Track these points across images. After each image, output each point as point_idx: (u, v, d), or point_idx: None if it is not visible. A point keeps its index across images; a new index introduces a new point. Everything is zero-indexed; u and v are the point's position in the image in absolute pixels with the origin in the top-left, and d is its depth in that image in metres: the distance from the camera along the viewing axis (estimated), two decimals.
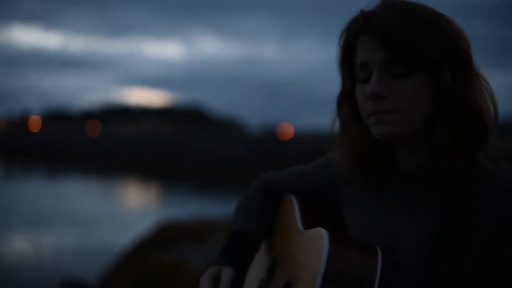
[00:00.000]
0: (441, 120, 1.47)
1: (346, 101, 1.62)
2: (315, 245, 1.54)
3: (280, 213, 1.88)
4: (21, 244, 14.55)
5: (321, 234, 1.53)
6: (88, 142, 71.93)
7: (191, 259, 7.97)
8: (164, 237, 10.60)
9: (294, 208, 1.80)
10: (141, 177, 39.50)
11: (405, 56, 1.46)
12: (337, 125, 1.65)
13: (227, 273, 1.67)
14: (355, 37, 1.54)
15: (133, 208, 22.76)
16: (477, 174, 1.46)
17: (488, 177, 1.46)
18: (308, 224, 1.71)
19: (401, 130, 1.49)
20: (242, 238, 1.77)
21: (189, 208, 18.44)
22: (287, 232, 1.80)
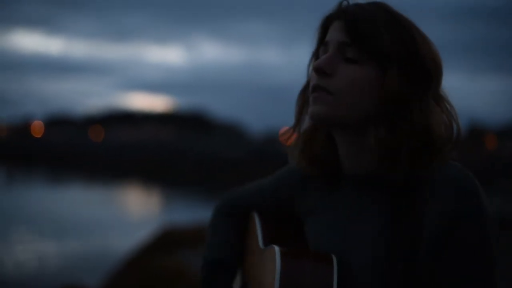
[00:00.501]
0: (379, 124, 1.44)
1: (304, 95, 1.61)
2: (270, 263, 1.52)
3: (247, 232, 1.86)
4: (23, 250, 14.53)
5: (274, 251, 1.50)
6: (91, 147, 71.98)
7: (193, 263, 7.96)
8: (166, 241, 10.60)
9: (256, 226, 1.78)
10: (144, 182, 39.51)
11: (362, 43, 1.44)
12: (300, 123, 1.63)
13: None
14: (330, 21, 1.54)
15: (136, 213, 22.74)
16: (418, 182, 1.43)
17: (432, 179, 1.42)
18: (269, 241, 1.69)
19: (333, 114, 1.46)
20: (217, 268, 1.76)
21: (192, 212, 18.39)
22: (252, 252, 1.78)
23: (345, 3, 1.53)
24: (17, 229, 17.10)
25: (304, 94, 1.60)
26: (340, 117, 1.47)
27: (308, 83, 1.59)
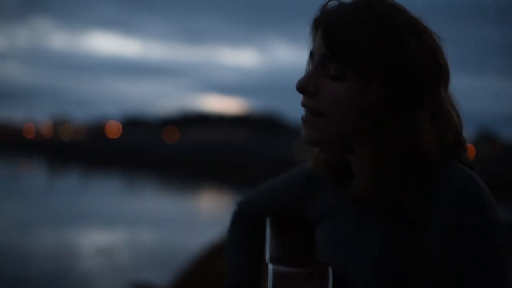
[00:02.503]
0: (364, 141, 1.37)
1: None
2: (268, 281, 1.48)
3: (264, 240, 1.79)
4: (94, 246, 14.72)
5: (269, 270, 1.49)
6: (165, 148, 72.91)
7: None
8: None
9: (267, 235, 1.74)
10: (216, 184, 39.74)
11: (341, 58, 1.35)
12: None
13: None
14: (315, 26, 1.45)
15: (207, 213, 22.84)
16: (421, 189, 1.35)
17: (436, 186, 1.33)
18: (276, 253, 1.65)
19: (324, 137, 1.41)
20: None
21: None
22: (264, 266, 1.71)
23: (329, 3, 1.43)
24: (90, 227, 17.35)
25: None
26: (329, 137, 1.41)
27: None
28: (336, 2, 1.43)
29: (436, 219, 1.32)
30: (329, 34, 1.37)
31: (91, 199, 25.14)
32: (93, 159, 63.53)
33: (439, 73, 1.38)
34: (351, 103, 1.36)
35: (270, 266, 1.50)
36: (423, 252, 1.33)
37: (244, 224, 1.83)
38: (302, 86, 1.40)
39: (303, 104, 1.42)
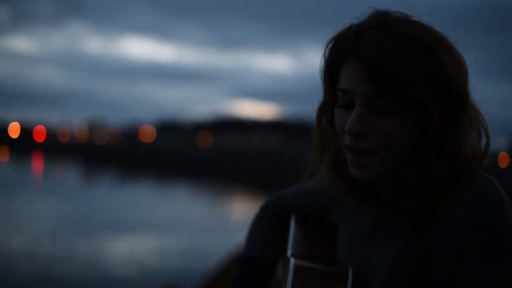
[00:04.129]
0: (416, 158, 1.36)
1: (326, 113, 1.51)
2: (287, 275, 1.49)
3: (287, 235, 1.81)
4: (125, 251, 14.79)
5: (291, 264, 1.49)
6: (199, 153, 73.07)
7: None
8: None
9: (290, 231, 1.75)
10: (249, 188, 39.71)
11: (392, 94, 1.32)
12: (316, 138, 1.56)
13: None
14: (342, 57, 1.40)
15: (239, 218, 22.83)
16: (445, 198, 1.35)
17: (456, 191, 1.34)
18: (298, 249, 1.66)
19: (377, 172, 1.39)
20: (253, 265, 1.73)
21: None
22: (286, 257, 1.72)
23: (358, 36, 1.36)
24: (121, 231, 17.43)
25: (320, 124, 1.53)
26: (383, 171, 1.39)
27: (321, 110, 1.52)
28: (355, 28, 1.38)
29: (455, 224, 1.31)
30: (375, 72, 1.31)
31: (123, 203, 25.27)
32: (127, 163, 63.89)
33: (466, 76, 1.38)
34: (404, 136, 1.35)
35: (292, 260, 1.50)
36: (437, 258, 1.33)
37: (268, 217, 1.85)
38: (356, 131, 1.36)
39: (352, 146, 1.39)
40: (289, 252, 1.66)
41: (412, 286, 1.35)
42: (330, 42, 1.44)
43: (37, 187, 32.64)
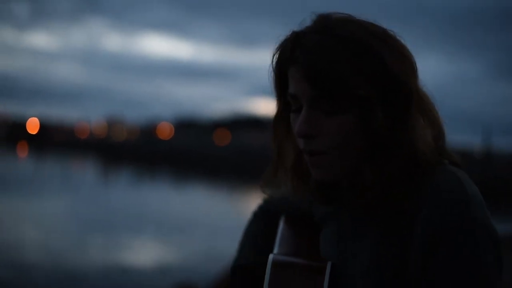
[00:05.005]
0: (369, 158, 1.37)
1: (282, 123, 1.53)
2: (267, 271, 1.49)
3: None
4: (142, 246, 14.82)
5: (269, 259, 1.50)
6: (216, 150, 73.23)
7: None
8: None
9: (278, 232, 1.77)
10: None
11: (333, 93, 1.34)
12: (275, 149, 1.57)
13: None
14: (285, 65, 1.43)
15: None
16: (409, 194, 1.34)
17: (422, 187, 1.33)
18: (283, 247, 1.67)
19: (334, 171, 1.40)
20: (241, 273, 1.73)
21: None
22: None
23: (297, 42, 1.39)
24: (138, 227, 17.47)
25: (277, 132, 1.54)
26: (340, 171, 1.41)
27: (277, 118, 1.54)
28: (294, 34, 1.41)
29: (421, 222, 1.30)
30: (312, 74, 1.34)
31: (141, 200, 25.36)
32: (145, 160, 64.14)
33: (414, 71, 1.39)
34: (352, 135, 1.36)
35: (271, 256, 1.51)
36: (409, 255, 1.33)
37: (262, 218, 1.88)
38: (305, 133, 1.38)
39: (306, 150, 1.41)
40: (274, 251, 1.66)
41: (389, 283, 1.35)
42: (275, 51, 1.46)
43: (55, 183, 32.79)
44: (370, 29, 1.37)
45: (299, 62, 1.37)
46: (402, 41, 1.40)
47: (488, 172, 33.58)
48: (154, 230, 17.40)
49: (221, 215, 21.27)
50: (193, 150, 72.00)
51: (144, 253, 14.09)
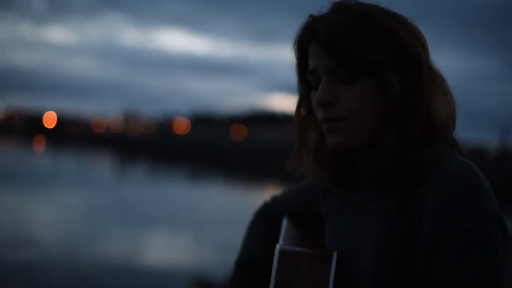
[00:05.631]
0: (388, 124, 1.43)
1: (304, 105, 1.62)
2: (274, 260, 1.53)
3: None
4: (159, 241, 14.86)
5: (276, 249, 1.53)
6: (232, 146, 73.25)
7: None
8: None
9: (281, 230, 1.80)
10: (282, 182, 39.76)
11: (349, 62, 1.43)
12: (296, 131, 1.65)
13: None
14: (305, 44, 1.53)
15: None
16: (425, 174, 1.39)
17: (433, 173, 1.38)
18: (287, 242, 1.71)
19: (351, 138, 1.47)
20: (245, 267, 1.78)
21: None
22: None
23: (316, 20, 1.50)
24: (154, 221, 17.52)
25: (299, 115, 1.62)
26: (356, 137, 1.46)
27: (300, 102, 1.62)
28: (311, 18, 1.52)
29: (432, 202, 1.34)
30: (332, 46, 1.44)
31: (157, 194, 25.42)
32: (161, 155, 64.27)
33: (424, 47, 1.47)
34: (369, 100, 1.44)
35: (278, 245, 1.54)
36: (419, 236, 1.36)
37: (264, 217, 1.93)
38: (324, 100, 1.46)
39: (324, 118, 1.48)
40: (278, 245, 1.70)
41: (396, 271, 1.38)
42: (296, 34, 1.56)
43: (72, 178, 32.94)
44: (383, 9, 1.48)
45: (319, 37, 1.46)
46: (415, 24, 1.48)
47: (504, 170, 33.38)
48: (171, 225, 17.44)
49: (237, 210, 21.29)
50: (209, 145, 72.04)
51: (161, 248, 14.13)
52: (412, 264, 1.36)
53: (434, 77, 1.47)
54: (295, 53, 1.57)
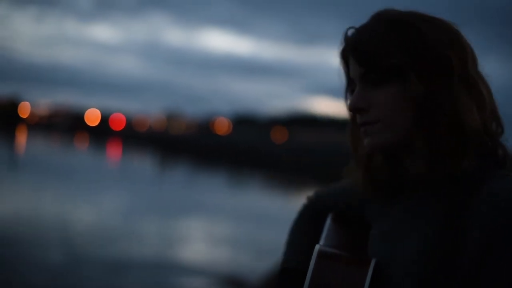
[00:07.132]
0: (417, 126, 1.46)
1: (352, 130, 1.66)
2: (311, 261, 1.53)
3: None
4: (196, 238, 14.93)
5: (315, 249, 1.54)
6: (273, 148, 73.24)
7: None
8: None
9: (324, 229, 1.80)
10: (321, 185, 39.62)
11: (375, 67, 1.47)
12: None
13: None
14: (346, 55, 1.59)
15: None
16: (468, 183, 1.41)
17: (484, 186, 1.38)
18: (328, 243, 1.70)
19: (384, 139, 1.51)
20: (289, 277, 1.78)
21: None
22: None
23: (349, 33, 1.56)
24: (192, 220, 17.61)
25: (352, 129, 1.66)
26: (389, 139, 1.50)
27: (352, 118, 1.64)
28: (347, 30, 1.57)
29: (479, 220, 1.34)
30: (358, 54, 1.49)
31: (196, 193, 25.54)
32: (202, 155, 64.53)
33: (456, 45, 1.46)
34: (397, 102, 1.47)
35: (317, 246, 1.56)
36: (464, 248, 1.36)
37: (309, 216, 1.92)
38: (356, 106, 1.52)
39: (360, 123, 1.53)
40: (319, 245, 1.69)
41: (435, 279, 1.39)
42: (339, 48, 1.61)
43: (114, 175, 33.26)
44: (420, 14, 1.50)
45: (347, 47, 1.55)
46: (457, 28, 1.50)
47: None
48: (207, 223, 17.52)
49: (275, 211, 21.29)
50: (250, 146, 72.14)
51: (195, 246, 14.19)
52: (454, 274, 1.37)
53: (473, 83, 1.46)
54: (342, 64, 1.63)
